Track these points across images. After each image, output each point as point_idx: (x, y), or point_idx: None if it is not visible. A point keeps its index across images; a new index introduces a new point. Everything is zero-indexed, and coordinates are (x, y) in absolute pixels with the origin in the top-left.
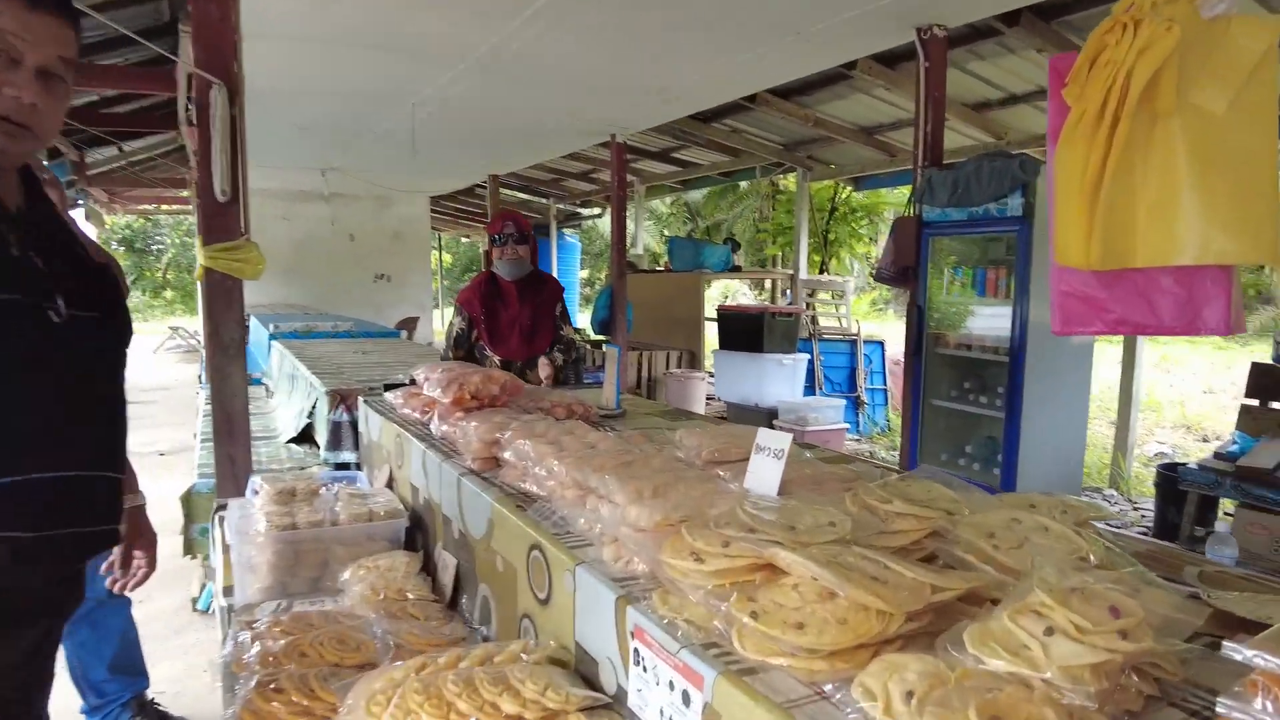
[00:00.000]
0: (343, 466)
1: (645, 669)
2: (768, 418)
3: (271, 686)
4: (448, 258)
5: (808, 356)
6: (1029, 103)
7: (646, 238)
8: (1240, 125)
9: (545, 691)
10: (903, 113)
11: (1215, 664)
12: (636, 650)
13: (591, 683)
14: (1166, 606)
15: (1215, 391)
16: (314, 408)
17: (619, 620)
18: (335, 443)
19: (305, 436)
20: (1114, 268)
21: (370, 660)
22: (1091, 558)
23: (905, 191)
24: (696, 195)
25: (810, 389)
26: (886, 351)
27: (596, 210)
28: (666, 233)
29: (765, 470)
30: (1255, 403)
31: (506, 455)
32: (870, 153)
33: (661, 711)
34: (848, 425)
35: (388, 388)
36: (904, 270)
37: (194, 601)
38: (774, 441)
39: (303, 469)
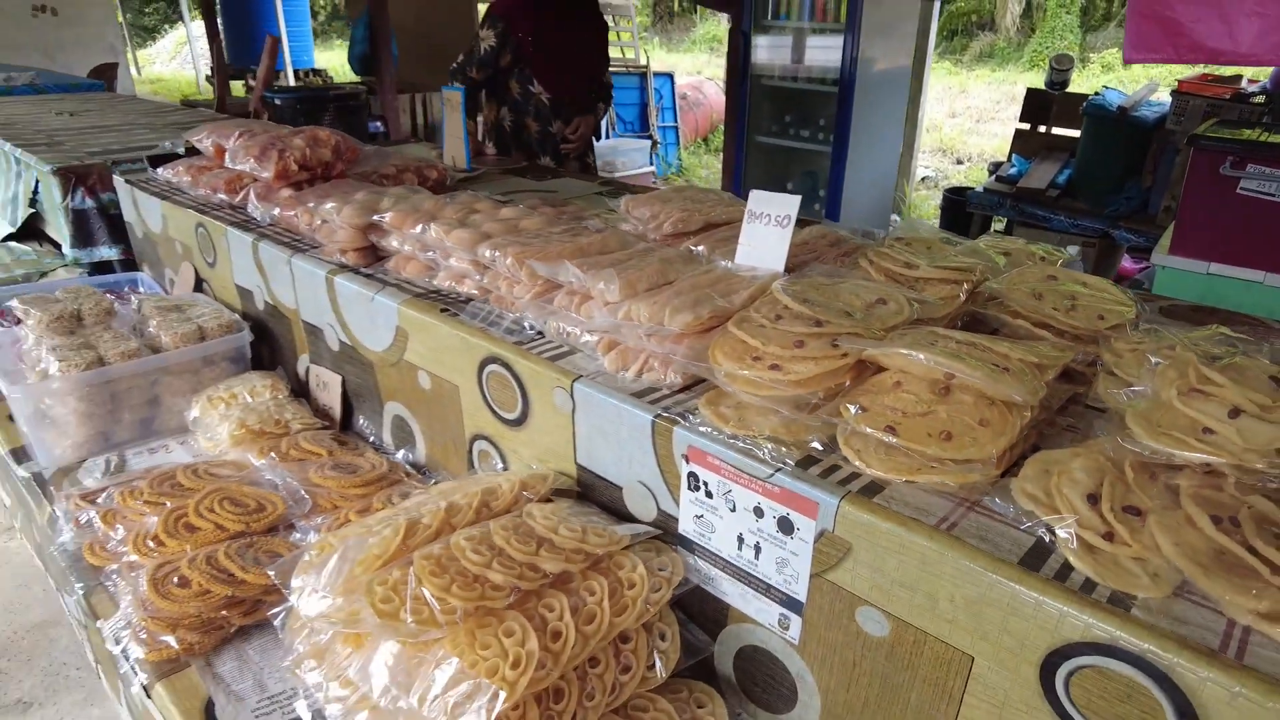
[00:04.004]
0: (103, 268)
1: (710, 494)
2: None
3: (175, 580)
4: None
5: None
6: None
7: None
8: None
9: (586, 536)
10: None
11: None
12: (694, 474)
13: (613, 509)
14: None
15: (958, 115)
16: (36, 193)
17: (658, 444)
18: (84, 238)
19: (31, 232)
20: None
21: (279, 519)
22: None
23: None
24: None
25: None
26: (676, 84)
27: None
28: None
29: (766, 242)
30: (1027, 127)
31: (395, 243)
32: None
33: (741, 540)
34: (654, 169)
35: (155, 162)
36: None
37: None
38: (773, 205)
39: (44, 275)
